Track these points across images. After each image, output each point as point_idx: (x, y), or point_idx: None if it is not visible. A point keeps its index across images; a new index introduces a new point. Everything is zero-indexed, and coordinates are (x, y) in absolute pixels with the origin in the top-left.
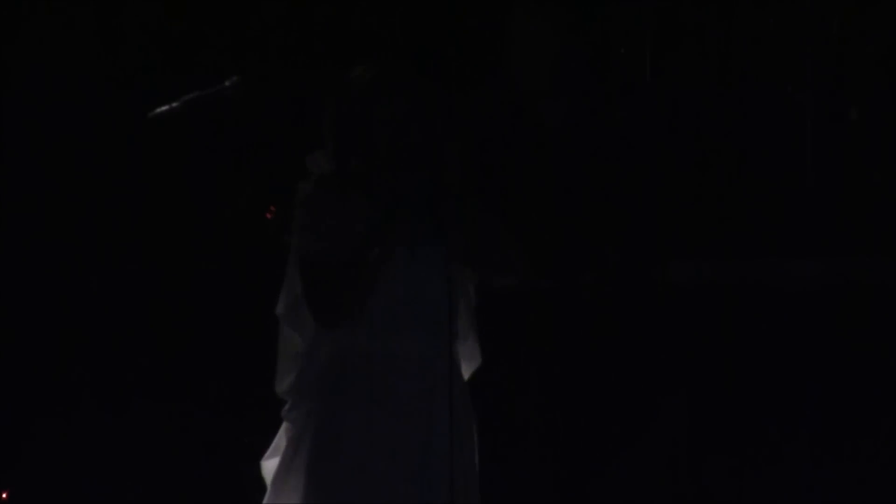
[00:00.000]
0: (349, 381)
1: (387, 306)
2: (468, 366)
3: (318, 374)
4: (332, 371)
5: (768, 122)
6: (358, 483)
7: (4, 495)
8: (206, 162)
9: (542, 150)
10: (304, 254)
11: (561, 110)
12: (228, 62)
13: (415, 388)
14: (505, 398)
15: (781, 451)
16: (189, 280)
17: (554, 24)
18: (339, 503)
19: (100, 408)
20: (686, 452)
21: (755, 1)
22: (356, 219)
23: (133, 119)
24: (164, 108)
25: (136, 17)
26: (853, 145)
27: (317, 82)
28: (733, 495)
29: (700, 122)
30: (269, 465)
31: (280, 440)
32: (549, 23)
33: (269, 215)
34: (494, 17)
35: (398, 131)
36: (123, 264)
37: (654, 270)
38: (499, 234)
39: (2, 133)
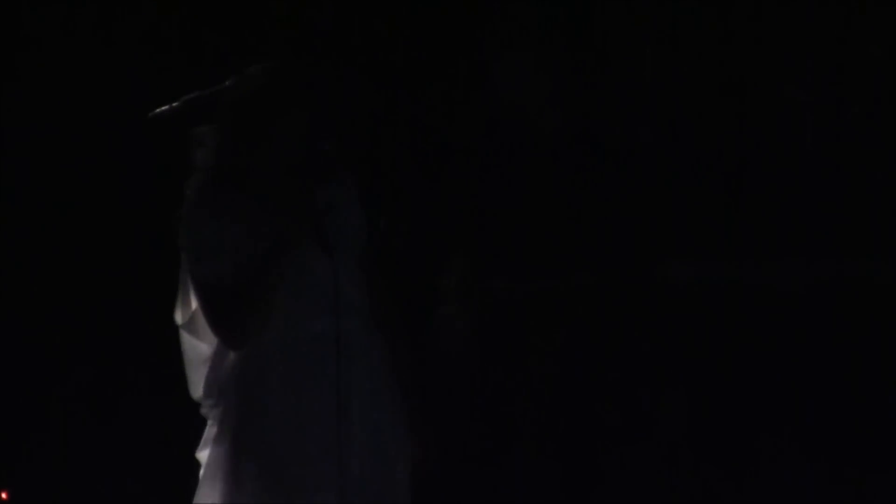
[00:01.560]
0: (264, 372)
1: (284, 299)
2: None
3: (232, 371)
4: (246, 364)
5: (768, 122)
6: (281, 472)
7: (4, 495)
8: None
9: (536, 156)
10: (201, 281)
11: (552, 118)
12: (228, 62)
13: (328, 372)
14: (505, 398)
15: (781, 451)
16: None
17: (537, 53)
18: (264, 495)
19: (100, 408)
20: (686, 452)
21: (755, 1)
22: (250, 233)
23: (133, 119)
24: (164, 108)
25: (136, 17)
26: (853, 145)
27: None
28: (733, 495)
29: (700, 123)
30: (203, 457)
31: (209, 432)
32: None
33: None
34: (480, 30)
35: (295, 139)
36: (123, 264)
37: (654, 270)
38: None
39: (2, 133)
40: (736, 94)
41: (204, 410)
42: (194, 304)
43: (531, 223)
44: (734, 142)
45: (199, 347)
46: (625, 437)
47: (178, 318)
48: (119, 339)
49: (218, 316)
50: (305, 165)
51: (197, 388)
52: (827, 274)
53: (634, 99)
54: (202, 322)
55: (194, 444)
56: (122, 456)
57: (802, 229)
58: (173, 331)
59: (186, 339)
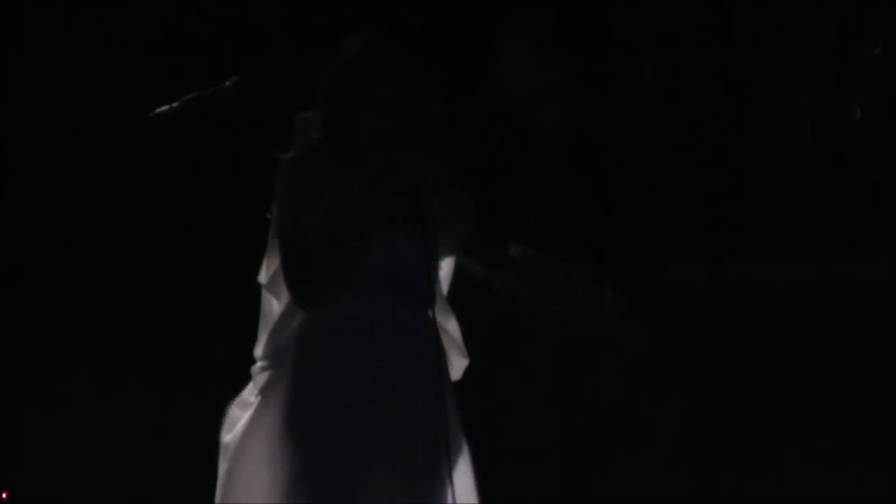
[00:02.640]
0: (321, 349)
1: (364, 276)
2: (452, 335)
3: (291, 340)
4: (304, 337)
5: (768, 122)
6: (326, 453)
7: (4, 495)
8: (206, 162)
9: (539, 153)
10: (284, 230)
11: (554, 115)
12: (228, 62)
13: (390, 358)
14: (504, 398)
15: (781, 451)
16: (189, 280)
17: (537, 42)
18: (305, 476)
19: (100, 407)
20: (686, 452)
21: (755, 1)
22: (342, 194)
23: (133, 119)
24: (165, 108)
25: (136, 17)
26: (853, 145)
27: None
28: (733, 495)
29: (700, 123)
30: (229, 440)
31: (238, 409)
32: (530, 40)
33: (269, 215)
34: (481, 22)
35: (392, 110)
36: (123, 264)
37: (655, 270)
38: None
39: (1, 133)
40: (736, 94)
41: (254, 369)
42: (277, 262)
43: (530, 222)
44: (734, 142)
45: (275, 308)
46: (625, 438)
47: (262, 277)
48: (119, 339)
49: (294, 267)
50: (405, 137)
51: (258, 346)
52: (827, 274)
53: (634, 99)
54: (282, 281)
55: (195, 444)
56: (123, 456)
57: (802, 229)
58: (174, 331)
59: (266, 297)
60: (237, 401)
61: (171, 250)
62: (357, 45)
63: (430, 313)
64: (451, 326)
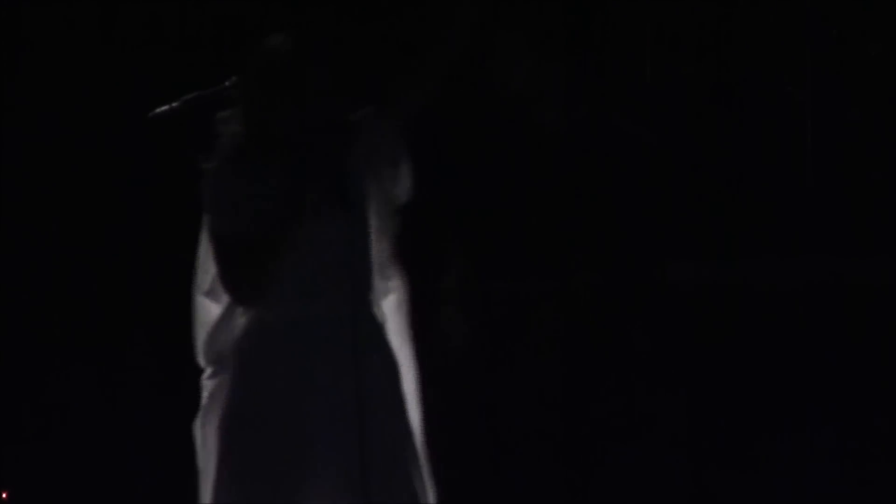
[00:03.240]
0: (263, 349)
1: (296, 272)
2: (396, 300)
3: (234, 343)
4: (247, 339)
5: (768, 122)
6: (271, 452)
7: (4, 495)
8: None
9: (536, 155)
10: (218, 236)
11: (554, 114)
12: (228, 62)
13: (329, 353)
14: (504, 398)
15: (781, 451)
16: (189, 280)
17: (536, 42)
18: (252, 473)
19: (100, 407)
20: (686, 452)
21: (755, 1)
22: (268, 190)
23: (133, 119)
24: (165, 108)
25: (136, 16)
26: (853, 145)
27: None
28: (733, 495)
29: (700, 123)
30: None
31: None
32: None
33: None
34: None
35: (313, 99)
36: (124, 264)
37: (655, 270)
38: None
39: (1, 133)
40: (736, 94)
41: (203, 379)
42: (212, 269)
43: (530, 223)
44: (734, 142)
45: (213, 313)
46: (625, 438)
47: (200, 284)
48: (119, 339)
49: (231, 270)
50: (327, 128)
51: (200, 353)
52: (827, 273)
53: (634, 99)
54: (219, 287)
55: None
56: (123, 455)
57: (802, 229)
58: (174, 331)
59: (205, 304)
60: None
61: (170, 250)
62: (276, 39)
63: (365, 305)
64: (389, 305)
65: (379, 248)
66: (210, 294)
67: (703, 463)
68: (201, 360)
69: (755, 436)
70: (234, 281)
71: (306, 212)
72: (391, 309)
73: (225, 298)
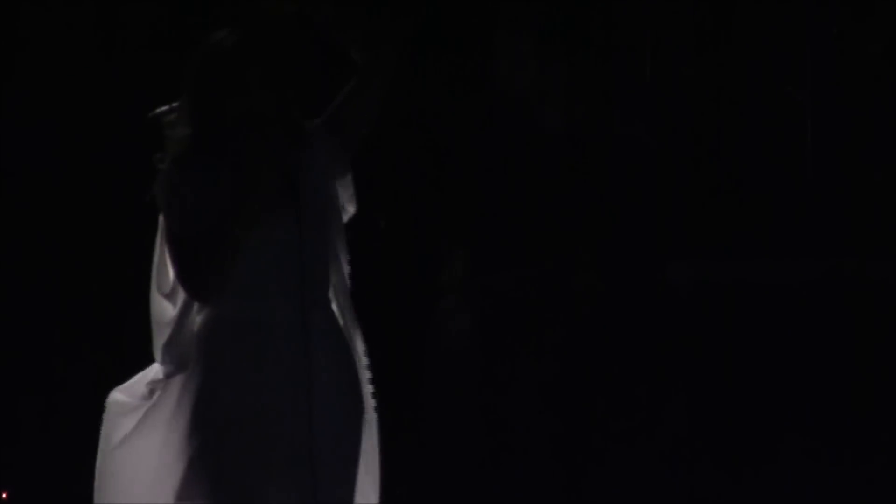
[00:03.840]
0: (220, 349)
1: (249, 270)
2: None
3: (189, 344)
4: (203, 339)
5: (768, 121)
6: (230, 453)
7: (4, 495)
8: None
9: (541, 154)
10: (173, 237)
11: (554, 114)
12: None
13: (284, 354)
14: (504, 398)
15: (781, 451)
16: None
17: (537, 42)
18: (197, 479)
19: (100, 407)
20: (686, 452)
21: (755, 1)
22: (219, 190)
23: (133, 119)
24: (164, 108)
25: (136, 16)
26: (853, 145)
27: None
28: (733, 495)
29: (700, 122)
30: (121, 399)
31: (142, 385)
32: (530, 41)
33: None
34: (482, 24)
35: (260, 93)
36: (124, 264)
37: (655, 270)
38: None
39: (1, 133)
40: (736, 94)
41: (157, 367)
42: (169, 269)
43: (531, 220)
44: (734, 142)
45: (169, 314)
46: (625, 438)
47: (158, 285)
48: (119, 339)
49: (188, 269)
50: (276, 125)
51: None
52: (827, 273)
53: (634, 99)
54: (178, 287)
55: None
56: None
57: (802, 229)
58: None
59: (165, 306)
60: (124, 387)
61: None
62: (221, 33)
63: (319, 303)
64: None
65: (330, 246)
66: (170, 296)
67: (703, 463)
68: (160, 359)
69: (755, 436)
70: (190, 279)
71: (257, 211)
72: (343, 304)
73: (181, 299)
